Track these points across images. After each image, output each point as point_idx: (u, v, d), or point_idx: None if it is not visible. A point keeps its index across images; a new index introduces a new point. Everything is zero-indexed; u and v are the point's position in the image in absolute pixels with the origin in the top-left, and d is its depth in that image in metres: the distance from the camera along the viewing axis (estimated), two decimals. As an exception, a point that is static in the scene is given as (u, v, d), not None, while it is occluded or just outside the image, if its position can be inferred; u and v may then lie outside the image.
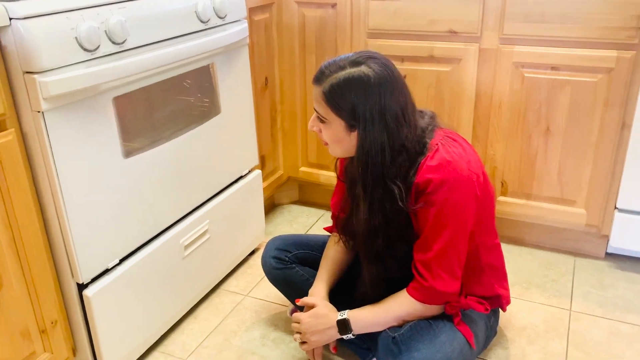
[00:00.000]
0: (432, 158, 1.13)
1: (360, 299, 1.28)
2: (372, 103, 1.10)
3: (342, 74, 1.11)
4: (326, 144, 1.21)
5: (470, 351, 1.22)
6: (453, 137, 1.19)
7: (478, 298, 1.27)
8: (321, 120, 1.17)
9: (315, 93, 1.15)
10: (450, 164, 1.11)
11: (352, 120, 1.12)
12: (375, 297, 1.26)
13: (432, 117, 1.24)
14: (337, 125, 1.15)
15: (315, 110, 1.18)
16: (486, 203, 1.21)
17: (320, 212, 2.20)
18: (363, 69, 1.11)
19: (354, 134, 1.14)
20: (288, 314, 1.59)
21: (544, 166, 1.74)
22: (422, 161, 1.14)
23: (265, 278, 1.77)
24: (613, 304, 1.61)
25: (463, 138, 1.23)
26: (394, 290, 1.24)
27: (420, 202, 1.14)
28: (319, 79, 1.14)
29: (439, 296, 1.18)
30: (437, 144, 1.15)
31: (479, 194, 1.15)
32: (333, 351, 1.32)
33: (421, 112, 1.24)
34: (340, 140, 1.17)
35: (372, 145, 1.12)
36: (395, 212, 1.16)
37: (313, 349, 1.33)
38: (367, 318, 1.23)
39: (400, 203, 1.14)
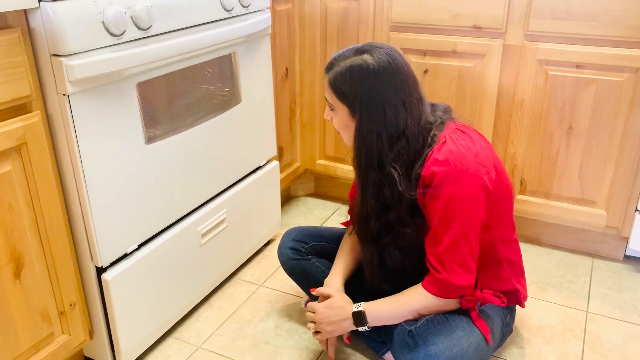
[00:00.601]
0: (439, 151, 1.14)
1: (374, 291, 1.28)
2: (370, 90, 1.14)
3: (346, 62, 1.16)
4: (339, 132, 1.25)
5: (487, 347, 1.22)
6: (463, 130, 1.20)
7: (494, 291, 1.26)
8: (331, 107, 1.22)
9: (325, 82, 1.21)
10: (457, 157, 1.12)
11: (353, 107, 1.17)
12: (373, 280, 1.29)
13: (446, 110, 1.25)
14: (342, 111, 1.19)
15: (326, 99, 1.23)
16: (501, 196, 1.21)
17: (336, 205, 2.19)
18: (365, 57, 1.15)
19: (356, 121, 1.18)
20: (302, 305, 1.60)
21: (564, 166, 1.72)
22: (429, 154, 1.15)
23: (280, 269, 1.78)
24: (631, 306, 1.59)
25: (475, 131, 1.23)
26: (409, 284, 1.24)
27: (427, 195, 1.15)
28: (328, 68, 1.20)
29: (454, 289, 1.17)
30: (445, 137, 1.16)
31: (490, 187, 1.15)
32: (347, 341, 1.32)
33: (434, 105, 1.25)
34: (347, 127, 1.20)
35: (368, 131, 1.16)
36: (395, 199, 1.17)
37: (326, 339, 1.33)
38: (383, 310, 1.23)
39: (399, 187, 1.15)
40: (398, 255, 1.24)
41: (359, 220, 1.26)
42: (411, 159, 1.17)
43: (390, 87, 1.14)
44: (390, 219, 1.20)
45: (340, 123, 1.21)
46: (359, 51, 1.17)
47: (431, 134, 1.17)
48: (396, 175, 1.16)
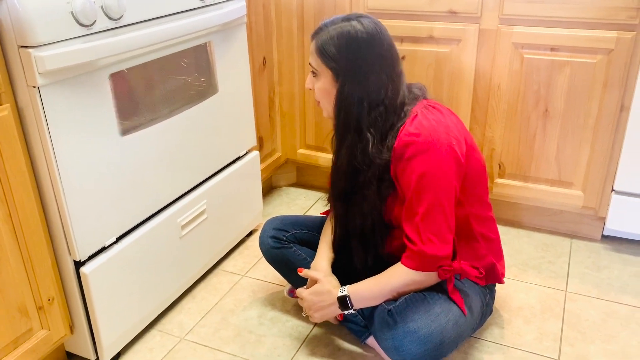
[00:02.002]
0: (410, 124, 1.17)
1: (356, 269, 1.30)
2: (357, 55, 1.17)
3: (335, 27, 1.19)
4: (318, 103, 1.27)
5: (466, 323, 1.24)
6: (434, 106, 1.23)
7: (471, 263, 1.27)
8: (314, 73, 1.24)
9: (311, 47, 1.23)
10: (428, 129, 1.15)
11: (337, 71, 1.19)
12: (339, 245, 1.34)
13: (420, 89, 1.28)
14: (326, 76, 1.21)
15: (310, 65, 1.24)
16: (472, 169, 1.23)
17: (319, 194, 2.20)
18: (354, 23, 1.18)
19: (339, 84, 1.20)
20: (285, 294, 1.60)
21: (542, 148, 1.74)
22: (401, 127, 1.18)
23: (262, 259, 1.78)
24: (608, 285, 1.62)
25: (447, 108, 1.26)
26: (386, 265, 1.26)
27: (400, 167, 1.17)
28: (316, 33, 1.22)
29: (431, 260, 1.18)
30: (416, 112, 1.19)
31: (461, 158, 1.17)
32: (339, 318, 1.33)
33: (410, 84, 1.28)
34: (328, 94, 1.22)
35: (349, 94, 1.19)
36: (366, 163, 1.21)
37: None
38: (365, 292, 1.24)
39: (371, 151, 1.19)
40: (359, 216, 1.27)
41: (331, 180, 1.32)
42: (386, 129, 1.20)
43: (376, 56, 1.17)
44: (358, 180, 1.24)
45: (322, 89, 1.23)
46: (348, 18, 1.19)
47: (405, 109, 1.21)
48: (370, 139, 1.19)
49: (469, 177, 1.22)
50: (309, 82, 1.27)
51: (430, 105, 1.22)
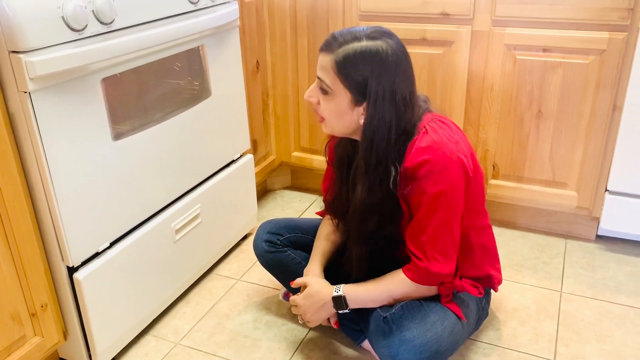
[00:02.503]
0: (420, 140, 1.12)
1: (350, 276, 1.29)
2: (386, 80, 1.08)
3: (359, 45, 1.07)
4: (322, 119, 1.17)
5: (462, 331, 1.23)
6: (442, 120, 1.19)
7: (472, 281, 1.27)
8: (324, 91, 1.13)
9: (323, 61, 1.11)
10: (440, 147, 1.10)
11: (360, 95, 1.09)
12: (358, 276, 1.26)
13: (425, 101, 1.23)
14: (342, 97, 1.11)
15: (318, 78, 1.13)
16: (475, 184, 1.22)
17: (313, 197, 2.19)
18: (380, 43, 1.07)
19: (358, 110, 1.12)
20: (280, 297, 1.60)
21: (535, 149, 1.74)
22: (410, 144, 1.13)
23: (257, 262, 1.77)
24: (603, 285, 1.62)
25: (451, 121, 1.22)
26: (382, 271, 1.25)
27: (410, 186, 1.13)
28: (330, 45, 1.10)
29: (434, 277, 1.18)
30: (424, 127, 1.14)
31: (471, 175, 1.15)
32: (335, 326, 1.32)
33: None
34: (341, 115, 1.13)
35: (380, 123, 1.10)
36: (388, 195, 1.16)
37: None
38: (362, 294, 1.23)
39: (391, 186, 1.14)
40: (386, 244, 1.22)
41: (360, 218, 1.20)
42: (401, 152, 1.13)
43: (403, 79, 1.09)
44: (384, 213, 1.17)
45: (334, 109, 1.13)
46: (372, 36, 1.08)
47: (414, 124, 1.15)
48: (394, 172, 1.12)
49: (471, 190, 1.20)
50: (312, 95, 1.16)
51: (437, 119, 1.17)
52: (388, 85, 1.08)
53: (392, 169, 1.13)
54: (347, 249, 1.31)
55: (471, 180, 1.16)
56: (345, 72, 1.08)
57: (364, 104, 1.10)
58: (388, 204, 1.17)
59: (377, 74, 1.07)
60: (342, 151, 1.28)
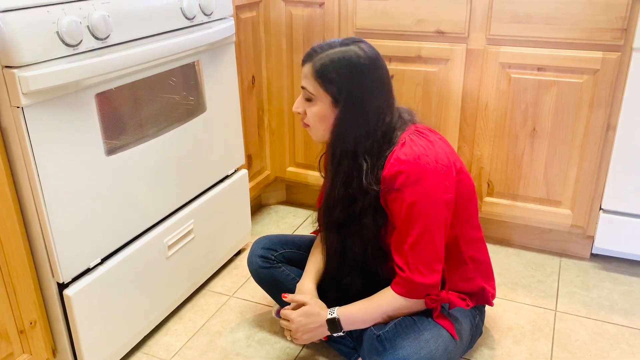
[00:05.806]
0: (399, 151, 1.16)
1: (341, 287, 1.29)
2: (359, 80, 1.15)
3: (334, 51, 1.17)
4: (307, 126, 1.24)
5: (455, 349, 1.22)
6: (422, 131, 1.22)
7: (460, 294, 1.26)
8: (308, 98, 1.20)
9: (304, 71, 1.19)
10: (416, 158, 1.14)
11: (338, 95, 1.16)
12: (330, 268, 1.32)
13: (409, 113, 1.27)
14: (324, 102, 1.18)
15: (302, 88, 1.21)
16: (463, 193, 1.23)
17: (308, 212, 2.19)
18: (354, 47, 1.17)
19: (338, 110, 1.18)
20: (273, 314, 1.58)
21: (530, 167, 1.74)
22: (389, 154, 1.17)
23: (251, 279, 1.76)
24: (598, 304, 1.62)
25: (434, 132, 1.25)
26: (378, 287, 1.24)
27: (392, 196, 1.16)
28: (310, 56, 1.19)
29: (418, 288, 1.18)
30: (404, 138, 1.18)
31: (449, 186, 1.17)
32: (324, 339, 1.31)
33: (399, 108, 1.27)
34: (324, 118, 1.20)
35: (350, 120, 1.17)
36: (362, 191, 1.19)
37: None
38: (355, 315, 1.23)
39: (364, 180, 1.17)
40: (358, 245, 1.25)
41: (325, 208, 1.28)
42: (377, 155, 1.19)
43: (377, 81, 1.17)
44: (355, 209, 1.22)
45: (317, 114, 1.20)
46: (345, 43, 1.18)
47: (394, 134, 1.20)
48: (364, 167, 1.18)
49: (459, 200, 1.22)
50: (298, 106, 1.24)
51: (417, 131, 1.21)
52: (361, 85, 1.16)
53: (364, 162, 1.18)
54: (321, 241, 1.35)
55: (453, 191, 1.18)
56: (322, 75, 1.16)
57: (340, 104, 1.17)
58: (360, 203, 1.20)
59: (351, 75, 1.15)
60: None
